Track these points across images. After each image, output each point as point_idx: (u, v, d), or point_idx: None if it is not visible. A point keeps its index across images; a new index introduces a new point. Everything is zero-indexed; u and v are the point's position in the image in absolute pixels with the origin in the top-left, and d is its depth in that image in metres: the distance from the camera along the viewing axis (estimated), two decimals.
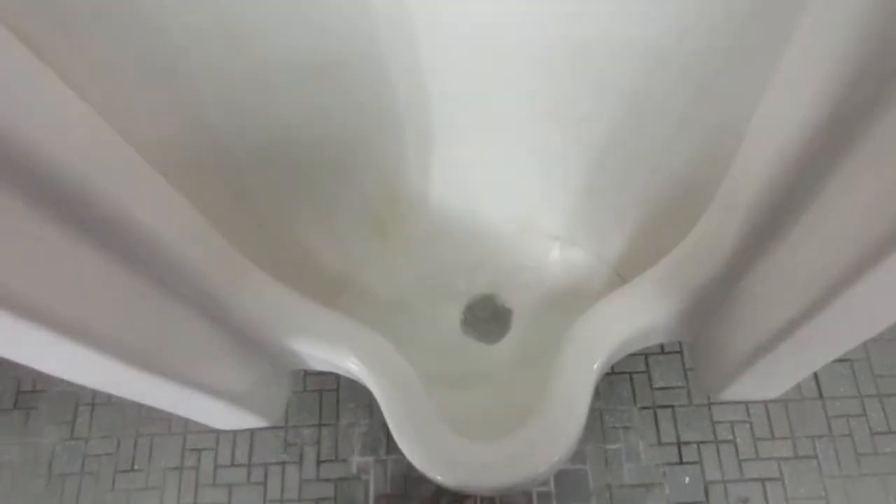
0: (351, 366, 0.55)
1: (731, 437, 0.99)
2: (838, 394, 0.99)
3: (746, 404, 0.99)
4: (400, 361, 0.57)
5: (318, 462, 1.04)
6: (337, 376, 1.10)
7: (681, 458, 0.98)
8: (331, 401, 1.08)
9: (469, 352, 0.68)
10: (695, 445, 0.99)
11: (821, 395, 0.99)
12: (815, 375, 1.00)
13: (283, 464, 1.04)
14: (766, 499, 0.95)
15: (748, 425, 0.99)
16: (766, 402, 0.99)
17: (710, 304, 0.53)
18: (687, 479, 0.97)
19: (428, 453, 0.53)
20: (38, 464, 1.06)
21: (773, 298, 0.45)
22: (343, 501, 1.01)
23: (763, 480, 0.96)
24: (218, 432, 1.04)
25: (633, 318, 0.54)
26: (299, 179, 0.64)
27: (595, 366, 0.54)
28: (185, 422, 1.06)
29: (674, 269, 0.53)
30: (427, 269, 0.70)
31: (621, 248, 0.68)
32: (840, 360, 0.99)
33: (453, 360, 0.67)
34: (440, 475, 0.53)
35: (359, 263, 0.71)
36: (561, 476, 1.00)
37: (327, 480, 1.02)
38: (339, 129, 0.61)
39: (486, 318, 0.70)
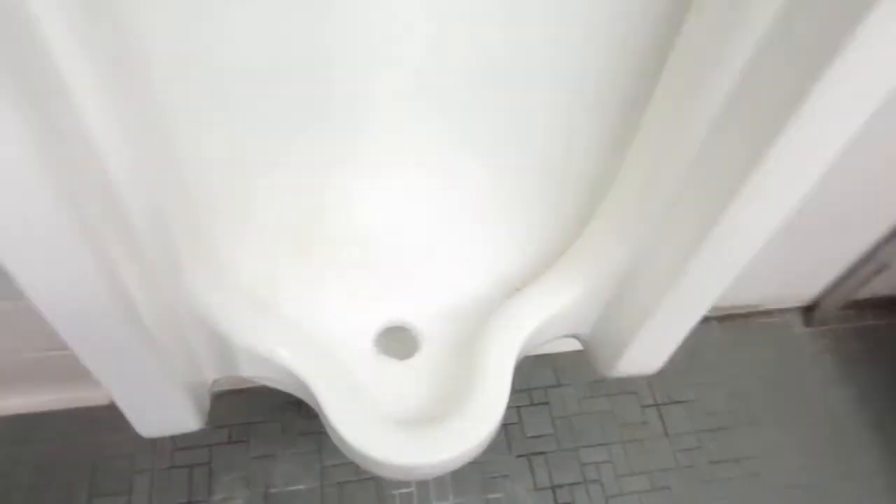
0: (282, 355, 0.57)
1: (597, 477, 1.07)
2: (681, 430, 1.13)
3: (608, 447, 1.10)
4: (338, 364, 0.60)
5: None
6: (209, 449, 1.03)
7: (556, 500, 1.05)
8: (202, 475, 1.01)
9: (385, 367, 0.72)
10: (567, 488, 1.06)
11: (666, 434, 1.13)
12: (661, 417, 1.14)
13: None
14: None
15: (611, 465, 1.09)
16: (623, 443, 1.11)
17: (603, 291, 0.63)
18: None
19: (368, 437, 0.56)
20: None
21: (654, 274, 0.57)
22: None
23: None
24: None
25: (545, 303, 0.63)
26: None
27: (515, 351, 0.61)
28: None
29: (571, 263, 0.64)
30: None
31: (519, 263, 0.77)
32: (678, 402, 1.15)
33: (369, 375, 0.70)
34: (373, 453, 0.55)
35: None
36: None
37: None
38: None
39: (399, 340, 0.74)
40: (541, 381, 1.15)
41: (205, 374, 0.63)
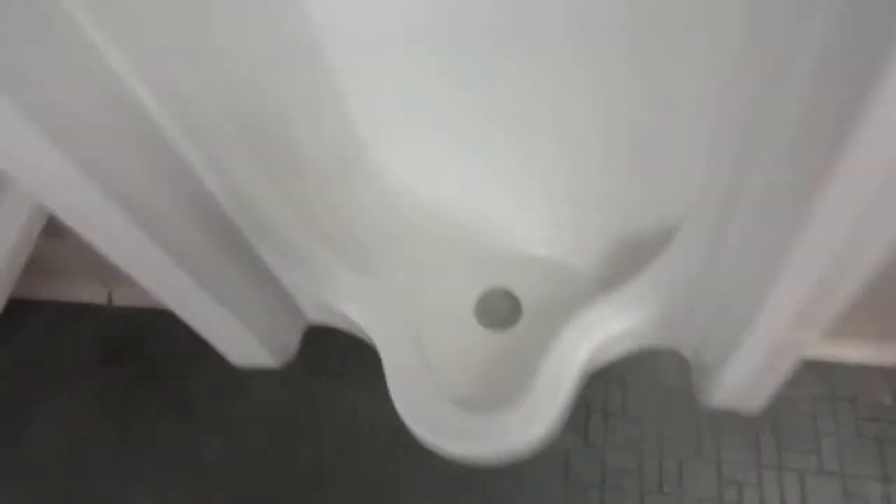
0: (363, 322, 0.61)
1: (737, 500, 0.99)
2: None
3: None
4: (415, 337, 0.63)
5: None
6: None
7: None
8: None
9: (477, 336, 0.74)
10: None
11: None
12: None
13: None
14: None
15: None
16: None
17: (685, 310, 0.58)
18: None
19: (426, 420, 0.58)
20: None
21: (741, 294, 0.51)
22: None
23: None
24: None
25: (615, 318, 0.59)
26: None
27: (580, 352, 0.59)
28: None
29: (649, 277, 0.59)
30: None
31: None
32: None
33: (461, 343, 0.73)
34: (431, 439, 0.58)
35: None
36: None
37: None
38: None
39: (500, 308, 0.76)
40: None
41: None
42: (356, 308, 0.62)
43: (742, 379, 0.55)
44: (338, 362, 1.11)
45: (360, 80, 0.65)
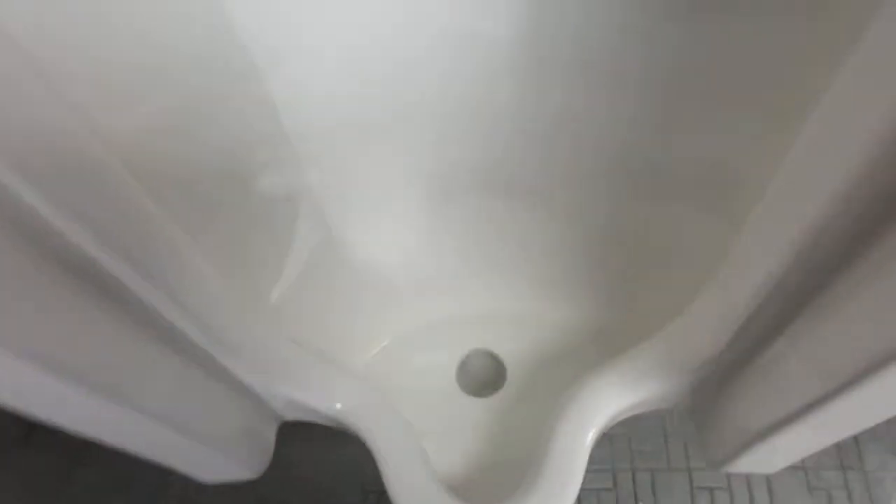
0: (358, 424, 0.55)
1: None
2: None
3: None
4: (402, 421, 0.57)
5: None
6: None
7: None
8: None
9: (464, 405, 0.69)
10: None
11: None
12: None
13: None
14: None
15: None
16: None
17: (709, 381, 0.55)
18: None
19: None
20: None
21: (790, 381, 0.47)
22: None
23: None
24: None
25: (629, 389, 0.55)
26: None
27: (589, 438, 0.55)
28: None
29: (672, 344, 0.56)
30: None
31: (606, 307, 0.70)
32: None
33: (449, 414, 0.68)
34: None
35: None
36: None
37: None
38: None
39: (481, 371, 0.72)
40: None
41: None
42: (345, 408, 0.55)
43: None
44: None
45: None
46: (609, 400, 0.56)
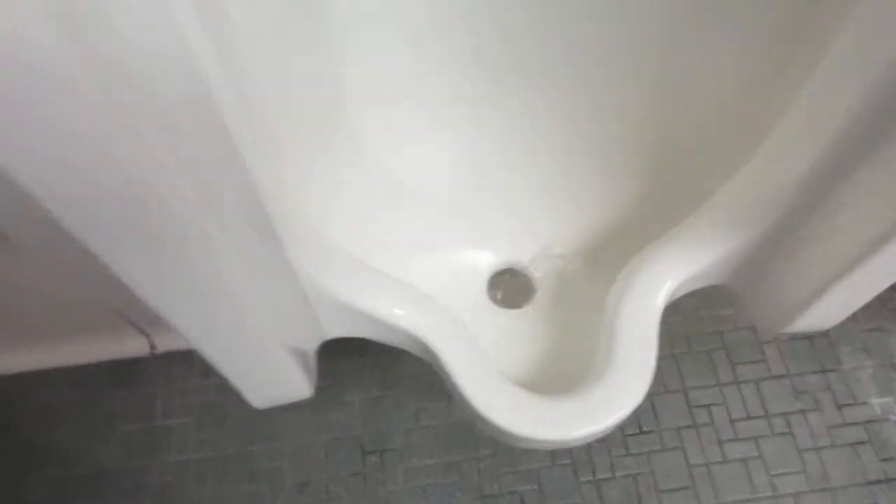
0: (419, 327, 0.51)
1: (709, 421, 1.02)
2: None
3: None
4: (461, 325, 0.54)
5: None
6: None
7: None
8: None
9: (497, 316, 0.66)
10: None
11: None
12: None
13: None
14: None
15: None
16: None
17: (766, 245, 0.55)
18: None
19: (514, 413, 0.50)
20: None
21: (852, 227, 0.48)
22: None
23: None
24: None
25: (693, 256, 0.54)
26: None
27: (659, 302, 0.54)
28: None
29: (733, 206, 0.55)
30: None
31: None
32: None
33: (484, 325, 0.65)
34: (530, 433, 0.49)
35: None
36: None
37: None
38: None
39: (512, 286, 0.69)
40: None
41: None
42: (404, 314, 0.51)
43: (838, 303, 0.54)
44: None
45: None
46: (675, 269, 0.55)
